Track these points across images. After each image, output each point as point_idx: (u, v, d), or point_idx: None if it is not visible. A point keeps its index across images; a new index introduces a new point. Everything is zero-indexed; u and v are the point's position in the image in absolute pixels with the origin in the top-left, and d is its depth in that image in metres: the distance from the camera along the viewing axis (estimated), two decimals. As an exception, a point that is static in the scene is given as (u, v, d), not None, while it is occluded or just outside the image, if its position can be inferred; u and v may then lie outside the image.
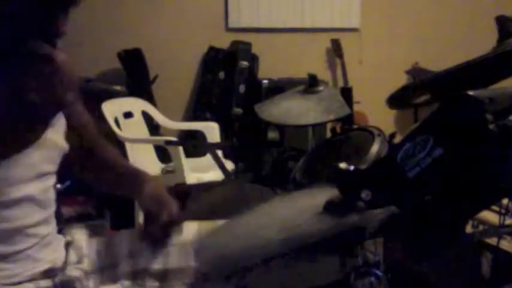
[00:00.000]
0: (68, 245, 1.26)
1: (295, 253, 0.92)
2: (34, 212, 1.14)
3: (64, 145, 1.22)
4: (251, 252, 0.87)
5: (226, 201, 1.77)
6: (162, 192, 1.29)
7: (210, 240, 1.03)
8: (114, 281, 1.24)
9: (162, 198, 1.27)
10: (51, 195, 1.20)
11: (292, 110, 1.70)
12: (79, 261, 1.24)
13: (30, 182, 1.12)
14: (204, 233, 1.26)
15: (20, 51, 1.08)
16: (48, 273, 1.16)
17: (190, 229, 1.33)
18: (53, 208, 1.22)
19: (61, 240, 1.25)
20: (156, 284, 1.25)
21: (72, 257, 1.24)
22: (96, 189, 1.85)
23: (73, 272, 1.20)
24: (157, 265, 1.27)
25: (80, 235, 1.29)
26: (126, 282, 1.23)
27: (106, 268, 1.26)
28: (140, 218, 2.83)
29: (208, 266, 0.90)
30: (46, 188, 1.17)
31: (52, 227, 1.21)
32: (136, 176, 1.33)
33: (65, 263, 1.21)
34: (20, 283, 1.11)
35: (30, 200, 1.12)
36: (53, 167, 1.19)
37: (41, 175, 1.15)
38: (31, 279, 1.12)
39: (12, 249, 1.10)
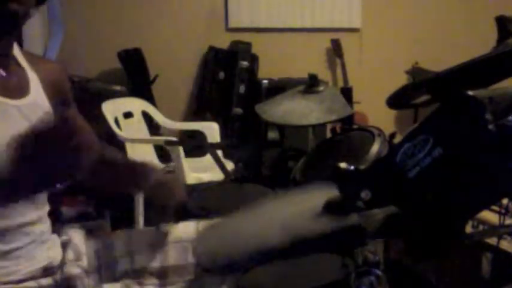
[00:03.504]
0: (65, 244, 1.26)
1: (295, 253, 0.92)
2: (30, 210, 1.16)
3: None
4: (251, 253, 0.87)
5: (226, 201, 1.77)
6: (167, 178, 1.33)
7: (210, 237, 1.03)
8: (114, 279, 1.25)
9: (168, 184, 1.31)
10: (44, 194, 1.21)
11: (295, 110, 1.70)
12: (77, 260, 1.24)
13: None
14: (203, 229, 1.27)
15: None
16: (47, 271, 1.17)
17: (189, 228, 1.34)
18: (46, 208, 1.23)
19: (56, 238, 1.26)
20: (156, 281, 1.26)
21: (70, 255, 1.24)
22: (98, 193, 1.85)
23: (73, 269, 1.20)
24: (156, 263, 1.27)
25: (77, 234, 1.29)
26: (126, 281, 1.24)
27: (105, 266, 1.27)
28: (140, 218, 2.83)
29: (208, 261, 0.90)
30: None
31: (47, 225, 1.23)
32: (138, 168, 1.33)
33: (63, 261, 1.22)
34: (21, 281, 1.12)
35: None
36: None
37: None
38: (32, 277, 1.13)
39: (9, 247, 1.11)
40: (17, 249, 1.12)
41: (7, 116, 1.11)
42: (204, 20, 4.12)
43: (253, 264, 1.09)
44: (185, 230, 1.33)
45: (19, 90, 1.17)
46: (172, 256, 1.29)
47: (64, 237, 1.27)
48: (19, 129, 1.12)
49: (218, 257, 0.90)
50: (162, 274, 1.27)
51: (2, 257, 1.11)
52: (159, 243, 1.30)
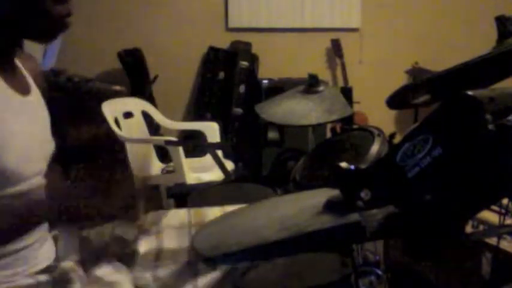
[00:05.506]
0: (55, 238, 1.27)
1: (294, 249, 0.92)
2: None
3: (53, 142, 1.25)
4: (251, 252, 0.87)
5: (226, 201, 1.77)
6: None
7: (209, 230, 1.03)
8: (106, 262, 1.25)
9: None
10: (43, 194, 1.22)
11: (295, 110, 1.70)
12: (69, 253, 1.25)
13: (32, 177, 1.14)
14: (203, 224, 1.28)
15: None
16: (46, 269, 1.17)
17: (180, 215, 1.36)
18: None
19: (50, 237, 1.26)
20: (147, 263, 1.27)
21: (61, 249, 1.25)
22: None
23: (66, 263, 1.21)
24: (148, 247, 1.28)
25: (66, 227, 1.30)
26: (116, 264, 1.24)
27: (97, 253, 1.27)
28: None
29: (206, 250, 0.90)
30: (39, 185, 1.19)
31: (45, 226, 1.23)
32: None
33: (57, 256, 1.23)
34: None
35: (29, 194, 1.13)
36: (45, 164, 1.21)
37: (39, 171, 1.18)
38: (31, 275, 1.14)
39: (14, 247, 1.11)
40: (21, 249, 1.13)
41: (22, 109, 1.13)
42: (204, 20, 4.12)
43: (252, 259, 1.09)
44: (176, 216, 1.37)
45: (22, 88, 1.18)
46: (165, 241, 1.30)
47: (54, 232, 1.28)
48: (31, 124, 1.14)
49: (217, 247, 0.90)
50: (156, 256, 1.27)
51: (8, 257, 1.11)
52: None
